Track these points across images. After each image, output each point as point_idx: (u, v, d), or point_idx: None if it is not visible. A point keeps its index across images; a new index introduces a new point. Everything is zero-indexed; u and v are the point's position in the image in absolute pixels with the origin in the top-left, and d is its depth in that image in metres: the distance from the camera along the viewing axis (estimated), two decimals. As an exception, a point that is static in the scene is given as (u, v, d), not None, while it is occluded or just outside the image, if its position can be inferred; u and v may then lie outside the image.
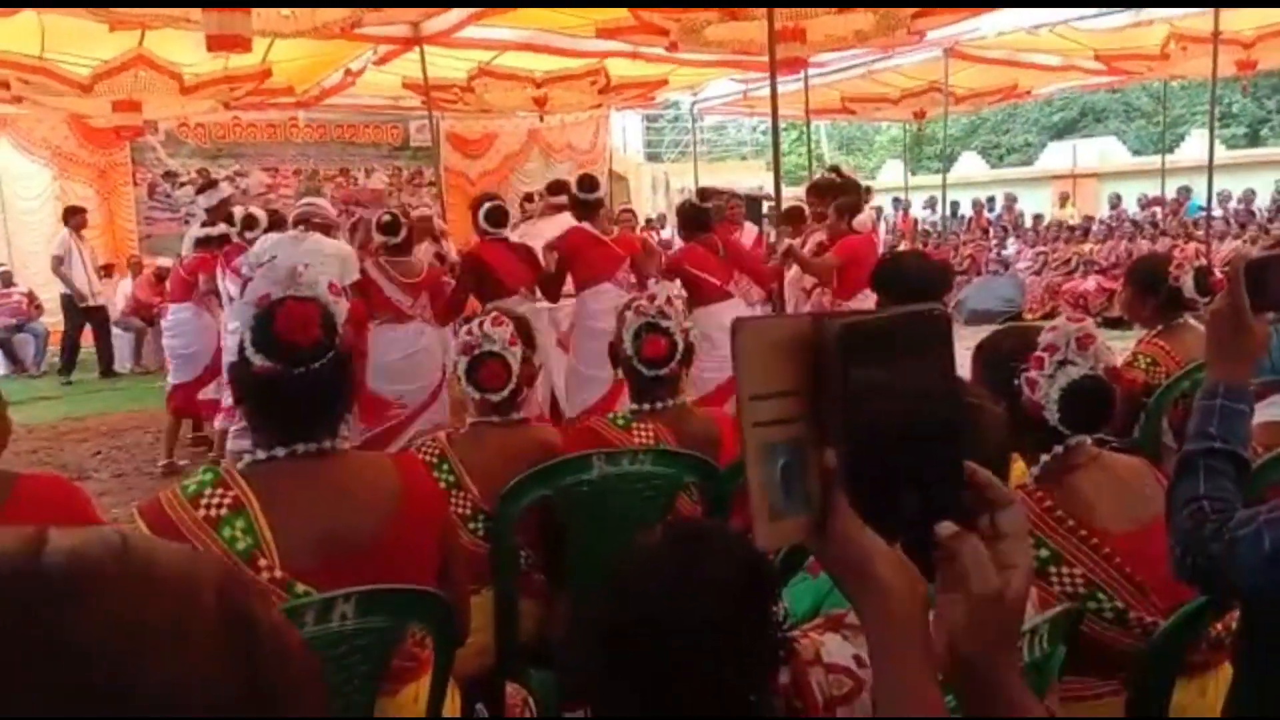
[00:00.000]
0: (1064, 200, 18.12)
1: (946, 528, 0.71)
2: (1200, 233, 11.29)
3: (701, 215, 5.88)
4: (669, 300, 2.70)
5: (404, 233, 5.36)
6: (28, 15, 7.17)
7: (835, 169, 6.12)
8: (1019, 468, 1.93)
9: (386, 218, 5.43)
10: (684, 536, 1.22)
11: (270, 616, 0.47)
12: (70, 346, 11.10)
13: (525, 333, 2.61)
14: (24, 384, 10.79)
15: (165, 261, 12.68)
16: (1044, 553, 1.78)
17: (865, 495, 0.70)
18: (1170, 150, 16.72)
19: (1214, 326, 1.53)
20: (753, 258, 6.15)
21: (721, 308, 5.37)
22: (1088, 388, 1.83)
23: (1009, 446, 1.34)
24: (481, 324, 2.55)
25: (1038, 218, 16.28)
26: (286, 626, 0.48)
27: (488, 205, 5.68)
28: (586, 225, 5.76)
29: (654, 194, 19.12)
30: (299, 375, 1.64)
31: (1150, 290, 3.51)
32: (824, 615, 1.30)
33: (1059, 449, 1.87)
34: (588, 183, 5.91)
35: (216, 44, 6.37)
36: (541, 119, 13.53)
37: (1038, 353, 1.85)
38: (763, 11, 6.30)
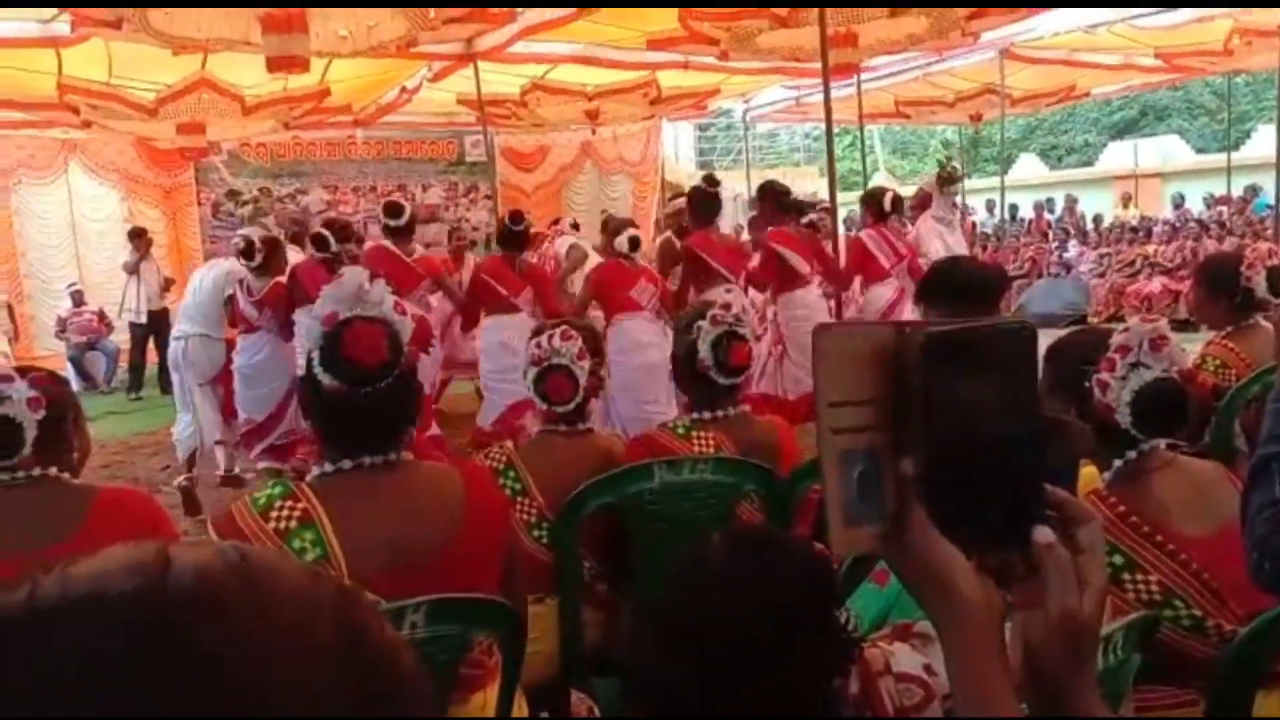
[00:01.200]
0: (1126, 201, 17.77)
1: (1044, 534, 0.70)
2: (1269, 231, 10.99)
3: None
4: (744, 308, 2.72)
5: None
6: (95, 43, 7.39)
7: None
8: (1088, 472, 1.90)
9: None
10: (744, 541, 1.22)
11: (385, 633, 0.49)
12: (134, 363, 11.41)
13: (593, 346, 2.63)
14: (95, 400, 11.09)
15: (230, 278, 12.99)
16: (1118, 559, 1.75)
17: (943, 507, 0.70)
18: (1235, 147, 16.34)
19: None
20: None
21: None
22: (1161, 390, 1.79)
23: (1080, 455, 1.32)
24: (551, 338, 2.58)
25: (1099, 219, 15.98)
26: (400, 644, 0.49)
27: (703, 193, 6.13)
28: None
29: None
30: (366, 395, 1.67)
31: (1222, 291, 3.42)
32: (891, 625, 1.29)
33: (1132, 454, 1.83)
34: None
35: (276, 65, 6.52)
36: (594, 132, 13.61)
37: (1109, 354, 1.82)
38: (814, 17, 6.28)
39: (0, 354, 12.22)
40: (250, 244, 5.92)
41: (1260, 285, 3.33)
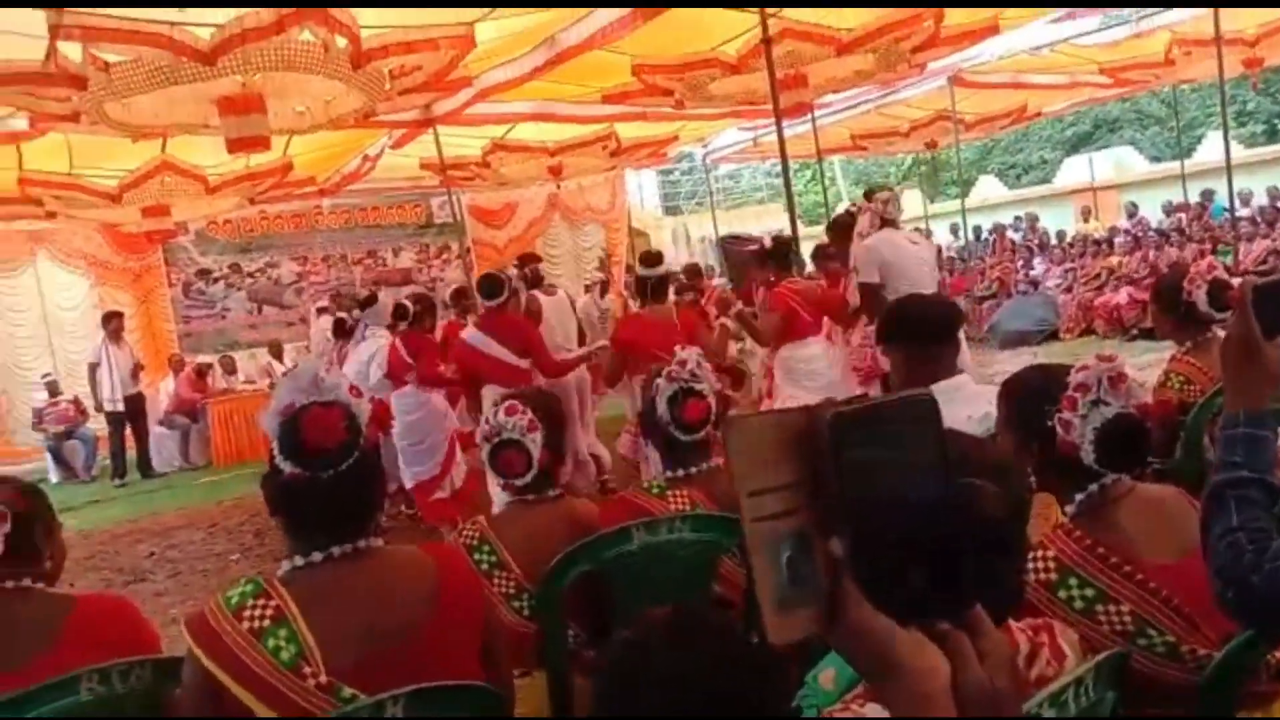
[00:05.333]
0: (1086, 215, 18.03)
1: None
2: (1228, 236, 11.17)
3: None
4: (699, 364, 2.73)
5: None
6: (55, 136, 7.41)
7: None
8: (1055, 511, 1.92)
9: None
10: (681, 630, 1.22)
11: None
12: (115, 450, 11.33)
13: (546, 417, 2.63)
14: (76, 490, 10.99)
15: (205, 358, 12.97)
16: (1090, 592, 1.77)
17: (873, 580, 0.71)
18: (1188, 154, 16.63)
19: (1226, 355, 1.53)
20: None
21: None
22: (1123, 427, 1.83)
23: (1023, 509, 1.33)
24: (497, 413, 2.59)
25: (1061, 234, 16.19)
26: None
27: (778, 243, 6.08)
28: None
29: (675, 246, 19.24)
30: (329, 479, 1.68)
31: (1171, 308, 3.49)
32: (864, 685, 1.30)
33: (1094, 486, 1.86)
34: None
35: (236, 146, 6.56)
36: (558, 186, 13.72)
37: (1070, 393, 1.85)
38: (763, 62, 6.39)
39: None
40: (403, 306, 6.67)
41: (1202, 300, 3.40)
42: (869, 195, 5.63)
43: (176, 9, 5.23)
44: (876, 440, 0.72)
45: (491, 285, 5.96)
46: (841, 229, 6.21)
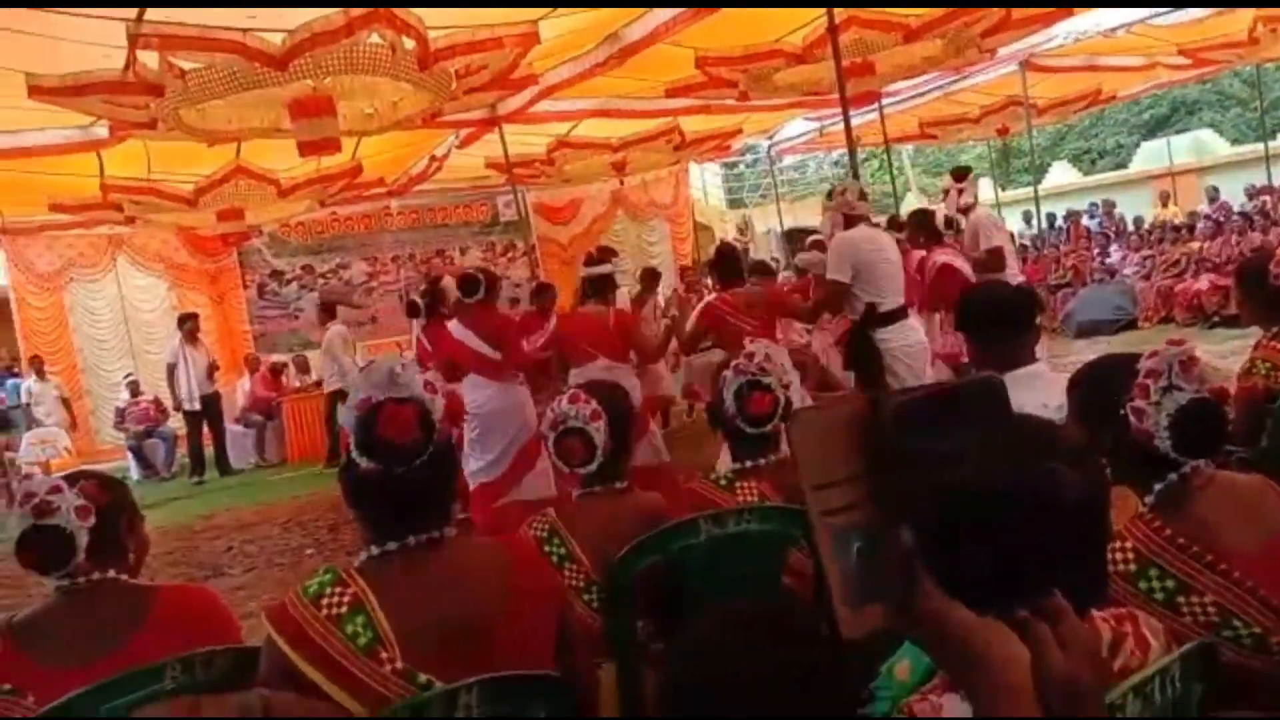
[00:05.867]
0: (1165, 200, 17.52)
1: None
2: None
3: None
4: (767, 357, 2.71)
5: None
6: (133, 143, 7.64)
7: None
8: (1133, 502, 1.87)
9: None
10: (743, 623, 1.20)
11: None
12: (193, 449, 11.64)
13: (612, 409, 2.63)
14: (156, 487, 11.32)
15: (279, 357, 13.26)
16: (1170, 583, 1.72)
17: (946, 569, 0.69)
18: (1272, 136, 16.05)
19: None
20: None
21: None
22: (1198, 412, 1.77)
23: (1102, 493, 1.30)
24: (561, 401, 2.60)
25: (1138, 220, 15.76)
26: None
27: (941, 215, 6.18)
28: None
29: (739, 239, 19.15)
30: (402, 474, 1.70)
31: (1258, 291, 3.37)
32: (941, 675, 1.27)
33: (1174, 476, 1.80)
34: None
35: (308, 149, 6.70)
36: (622, 182, 13.76)
37: (1141, 380, 1.80)
38: (829, 51, 6.32)
39: (63, 448, 12.56)
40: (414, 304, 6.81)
41: None
42: (830, 195, 5.55)
43: (248, 14, 5.35)
44: (943, 426, 0.70)
45: (469, 284, 6.13)
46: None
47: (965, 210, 6.30)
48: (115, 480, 2.30)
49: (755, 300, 5.60)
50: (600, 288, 5.92)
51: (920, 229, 6.60)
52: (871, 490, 0.70)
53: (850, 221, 5.18)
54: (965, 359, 5.76)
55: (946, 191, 6.63)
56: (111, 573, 2.12)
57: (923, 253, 6.45)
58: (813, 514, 0.70)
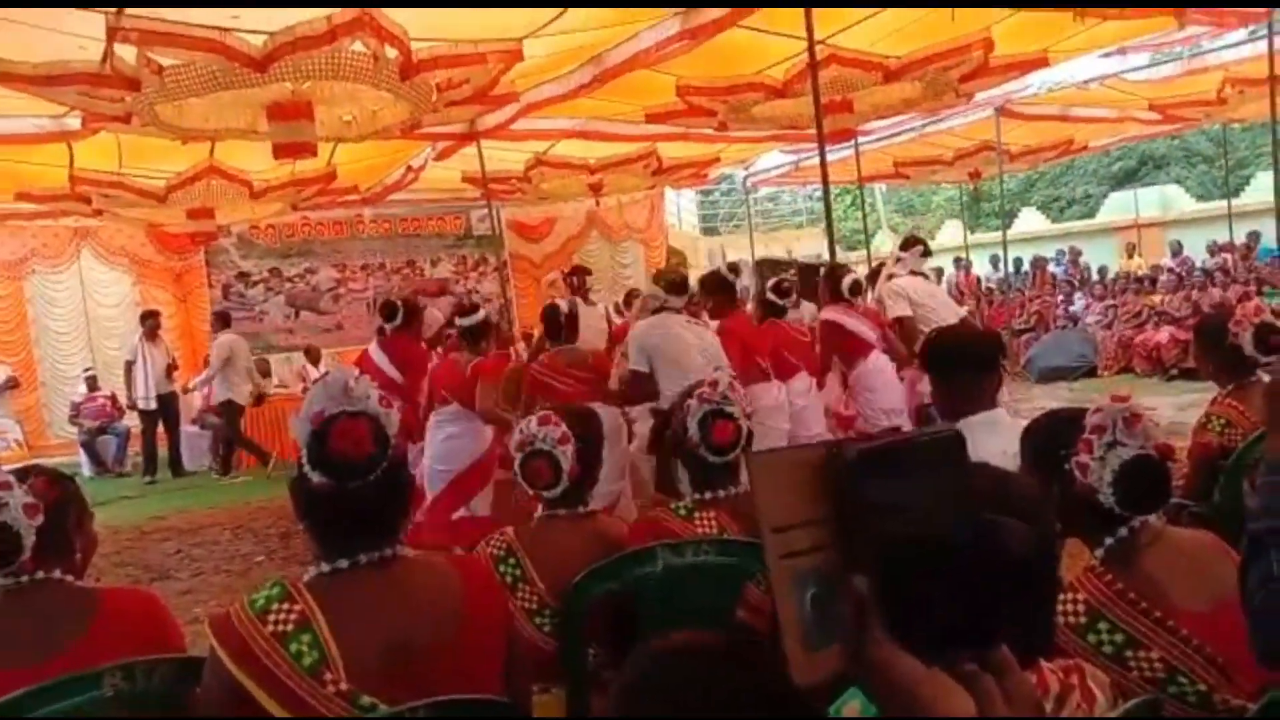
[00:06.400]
0: (1130, 251, 17.84)
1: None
2: (1275, 278, 11.00)
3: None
4: (731, 386, 2.71)
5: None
6: (105, 135, 7.55)
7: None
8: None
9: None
10: (695, 651, 1.19)
11: None
12: (147, 448, 11.49)
13: (583, 433, 2.62)
14: (108, 484, 11.13)
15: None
16: (1119, 637, 1.73)
17: (898, 618, 0.70)
18: (1236, 194, 16.40)
19: (1271, 399, 1.49)
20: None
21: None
22: (1141, 468, 1.80)
23: (1051, 546, 1.30)
24: (530, 423, 2.59)
25: (1103, 270, 16.01)
26: None
27: (850, 279, 6.02)
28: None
29: (711, 266, 19.23)
30: (355, 489, 1.68)
31: (1215, 349, 3.43)
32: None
33: (1123, 530, 1.83)
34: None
35: (283, 152, 6.65)
36: (598, 203, 13.79)
37: (1086, 436, 1.82)
38: (808, 87, 6.38)
39: (14, 441, 12.33)
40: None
41: (1248, 343, 3.33)
42: (657, 278, 5.67)
43: (231, 13, 5.32)
44: (899, 477, 0.71)
45: (388, 309, 6.48)
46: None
47: (891, 278, 6.06)
48: (65, 476, 2.25)
49: (576, 361, 5.66)
50: (474, 337, 5.91)
51: (821, 288, 6.36)
52: (828, 536, 0.71)
53: (656, 311, 5.33)
54: (858, 419, 5.88)
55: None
56: (57, 573, 2.08)
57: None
58: (770, 557, 0.71)
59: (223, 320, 11.68)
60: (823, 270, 6.49)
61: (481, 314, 6.09)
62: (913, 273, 5.92)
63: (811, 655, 0.70)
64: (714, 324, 5.91)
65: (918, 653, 0.70)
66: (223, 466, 11.20)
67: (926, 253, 6.05)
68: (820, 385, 6.25)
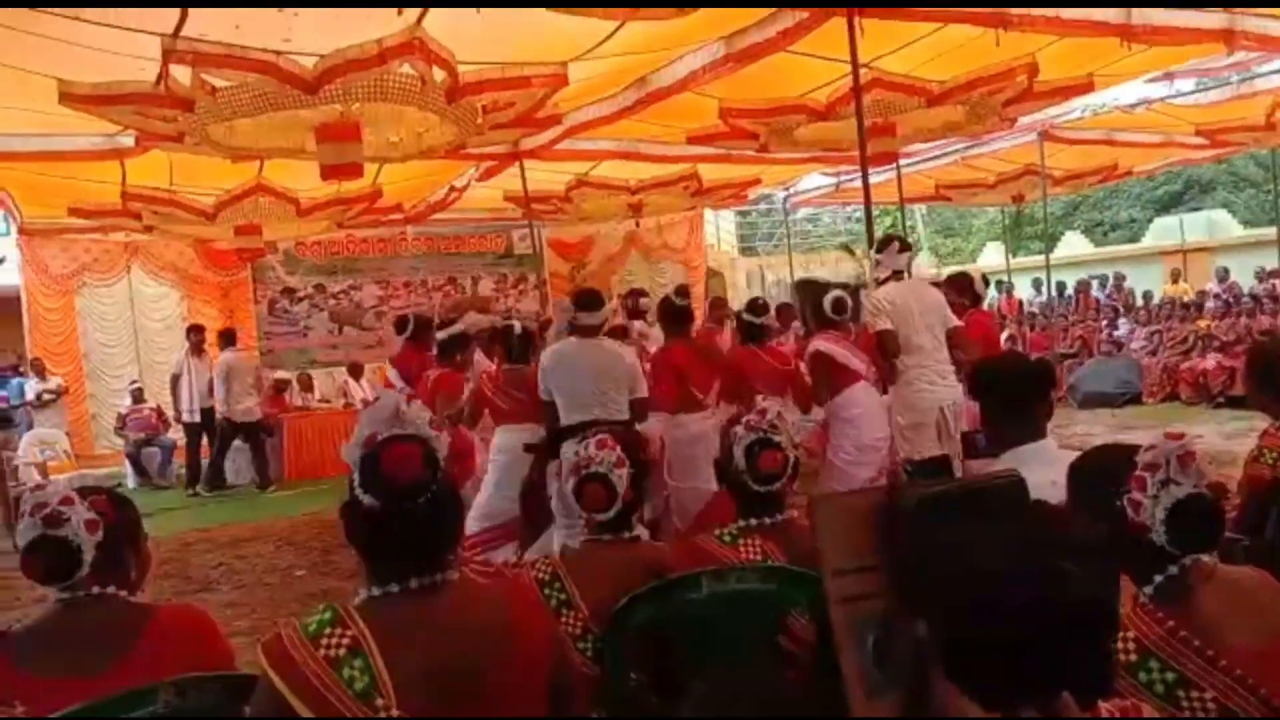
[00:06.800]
0: (1175, 277, 17.57)
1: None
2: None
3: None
4: (779, 415, 2.72)
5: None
6: (157, 153, 7.71)
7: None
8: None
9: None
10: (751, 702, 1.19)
11: None
12: (191, 461, 11.65)
13: (633, 458, 2.64)
14: (151, 496, 11.27)
15: (284, 374, 13.29)
16: (1170, 676, 1.71)
17: (959, 665, 0.70)
18: (1285, 219, 16.08)
19: None
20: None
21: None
22: (1195, 508, 1.77)
23: (1112, 590, 1.29)
24: (587, 445, 2.60)
25: (1148, 295, 15.78)
26: None
27: (831, 298, 6.02)
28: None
29: (749, 287, 19.22)
30: (406, 512, 1.70)
31: (1267, 380, 3.37)
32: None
33: (1174, 569, 1.80)
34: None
35: (331, 173, 6.76)
36: (638, 223, 13.84)
37: (1138, 473, 1.80)
38: (851, 110, 6.39)
39: (62, 451, 12.54)
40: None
41: None
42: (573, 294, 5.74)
43: (283, 36, 5.42)
44: (961, 522, 0.71)
45: (400, 323, 6.84)
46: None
47: (880, 283, 5.74)
48: (123, 497, 2.31)
49: (517, 381, 5.66)
50: (448, 351, 6.00)
51: (801, 312, 6.40)
52: (889, 582, 0.71)
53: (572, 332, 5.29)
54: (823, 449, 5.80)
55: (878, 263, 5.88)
56: (112, 589, 2.12)
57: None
58: (831, 601, 0.71)
59: (226, 339, 11.82)
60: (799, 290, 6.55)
61: (458, 327, 6.22)
62: (894, 273, 5.67)
63: (873, 701, 0.70)
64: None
65: (980, 700, 0.70)
66: (262, 481, 11.34)
67: (904, 247, 5.81)
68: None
